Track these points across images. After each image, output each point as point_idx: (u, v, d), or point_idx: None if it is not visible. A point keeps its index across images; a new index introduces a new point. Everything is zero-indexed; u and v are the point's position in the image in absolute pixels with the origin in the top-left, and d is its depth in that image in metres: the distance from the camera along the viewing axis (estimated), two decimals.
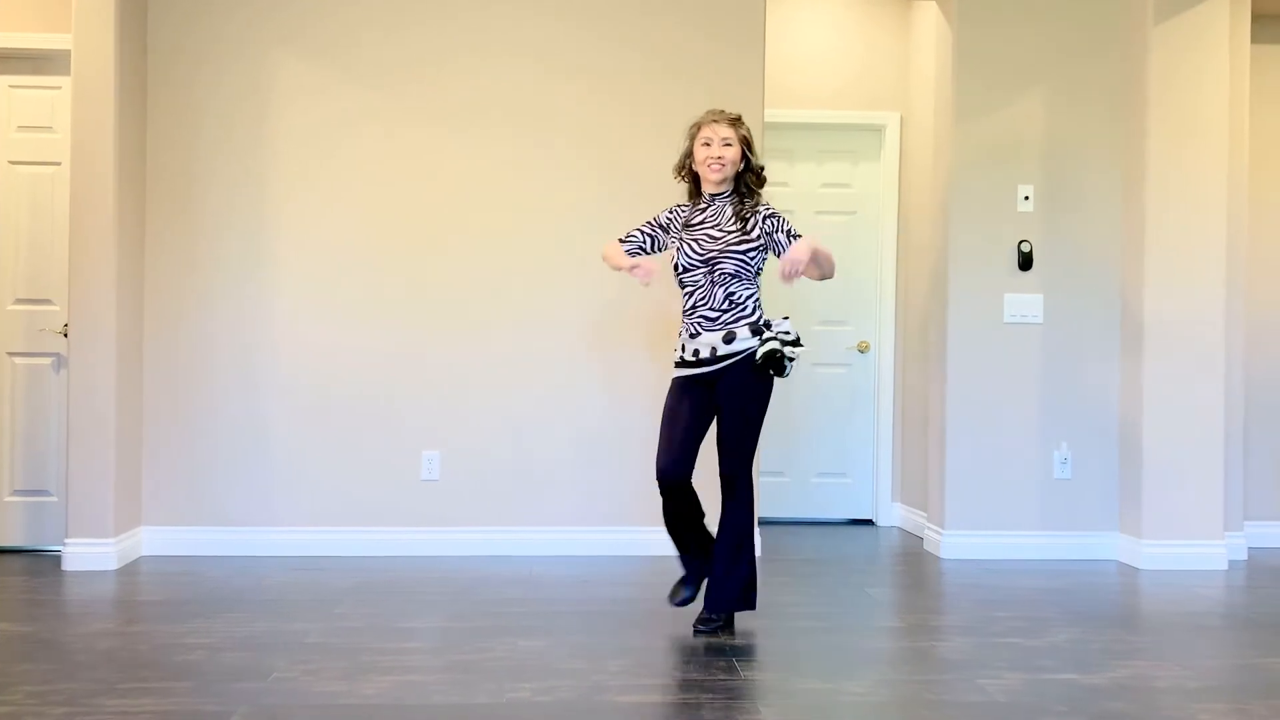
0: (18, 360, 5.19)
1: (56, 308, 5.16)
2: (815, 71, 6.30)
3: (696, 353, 3.86)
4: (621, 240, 4.04)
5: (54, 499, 5.18)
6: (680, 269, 3.88)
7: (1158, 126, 5.18)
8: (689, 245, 3.87)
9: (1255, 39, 5.58)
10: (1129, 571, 5.11)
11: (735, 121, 3.89)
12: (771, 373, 3.81)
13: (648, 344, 5.26)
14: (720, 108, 4.04)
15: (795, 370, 6.28)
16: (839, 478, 6.43)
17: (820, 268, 3.87)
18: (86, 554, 4.81)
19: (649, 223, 4.04)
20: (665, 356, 4.65)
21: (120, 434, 4.90)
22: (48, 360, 5.19)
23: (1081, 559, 5.30)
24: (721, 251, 3.82)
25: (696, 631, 3.84)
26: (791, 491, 6.37)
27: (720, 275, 3.82)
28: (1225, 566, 5.17)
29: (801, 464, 6.39)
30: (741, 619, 4.00)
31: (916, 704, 3.19)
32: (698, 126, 3.92)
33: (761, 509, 5.64)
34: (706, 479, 3.98)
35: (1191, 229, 5.18)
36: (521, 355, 5.29)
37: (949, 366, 5.36)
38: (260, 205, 5.22)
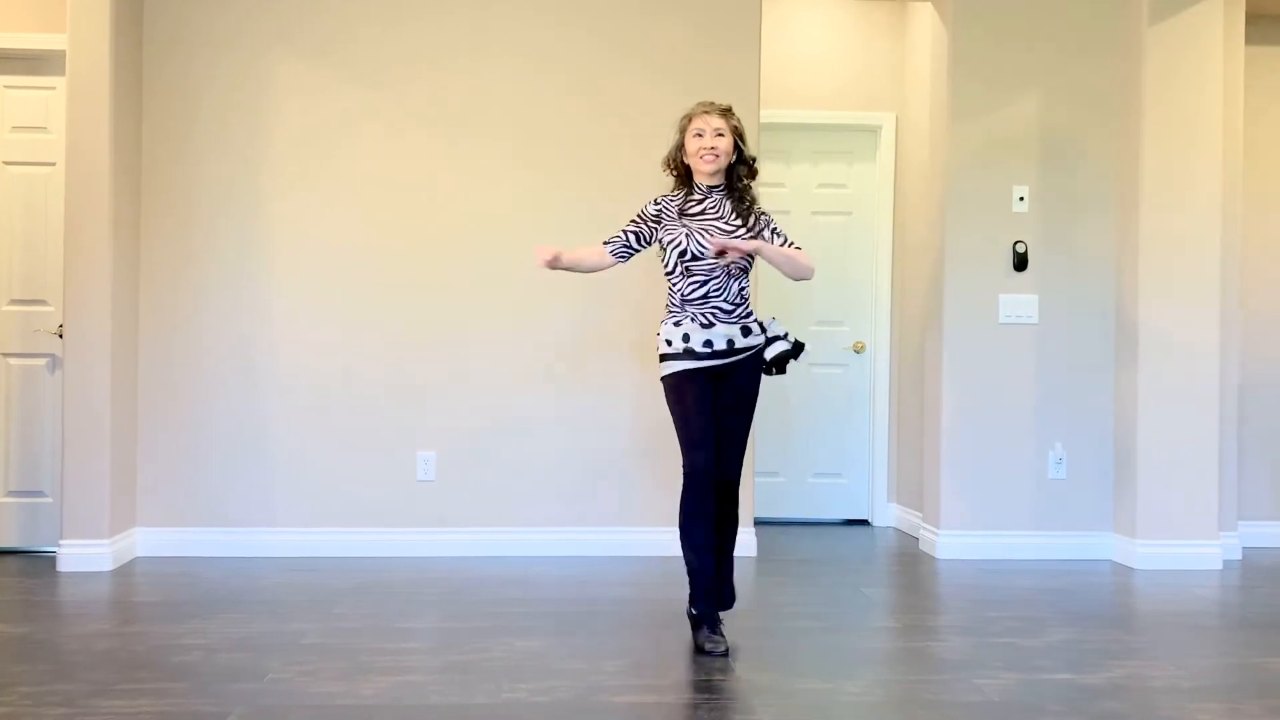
0: (12, 361, 5.18)
1: (51, 308, 5.15)
2: (811, 72, 6.31)
3: (709, 343, 3.76)
4: (605, 242, 3.92)
5: (49, 500, 5.17)
6: (690, 256, 3.76)
7: (1153, 127, 5.19)
8: (698, 235, 3.78)
9: (1250, 40, 5.59)
10: (1124, 571, 5.12)
11: (726, 112, 3.88)
12: (774, 372, 3.83)
13: (645, 344, 5.26)
14: (711, 99, 4.04)
15: (792, 370, 6.33)
16: (835, 478, 6.43)
17: (790, 270, 3.87)
18: (81, 555, 4.80)
19: (634, 220, 3.91)
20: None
21: (115, 434, 4.90)
22: (42, 361, 5.18)
23: (1077, 559, 5.31)
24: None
25: (705, 653, 3.64)
26: (787, 492, 6.38)
27: (735, 268, 3.83)
28: (1220, 566, 5.18)
29: (797, 464, 6.39)
30: (737, 618, 4.00)
31: (913, 704, 3.20)
32: (688, 118, 3.87)
33: (757, 509, 5.65)
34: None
35: (1186, 229, 5.19)
36: (519, 355, 5.29)
37: (944, 367, 5.37)
38: (256, 205, 5.22)
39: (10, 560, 5.04)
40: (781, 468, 6.36)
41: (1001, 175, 5.37)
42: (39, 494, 5.19)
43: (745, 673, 3.46)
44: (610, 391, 5.29)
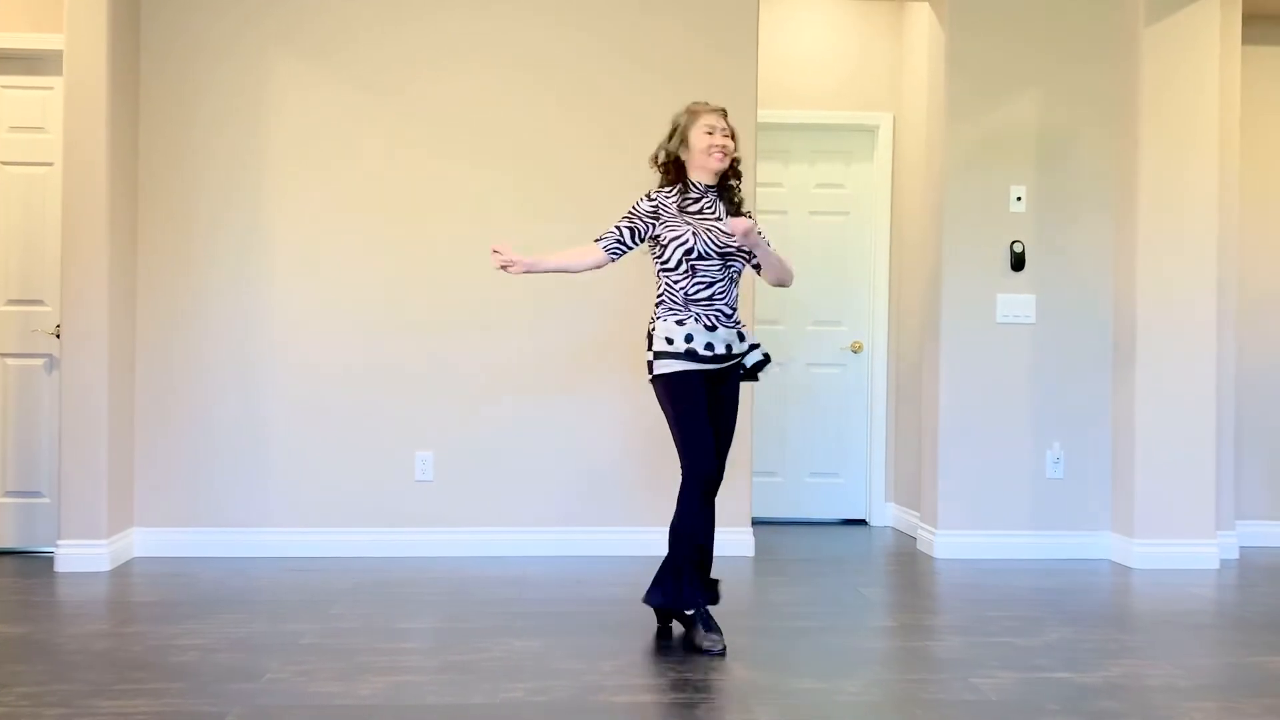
0: (10, 361, 5.18)
1: (49, 308, 5.15)
2: (809, 72, 6.31)
3: (711, 346, 3.76)
4: (597, 238, 3.86)
5: (46, 500, 5.16)
6: (697, 255, 3.74)
7: (1150, 126, 5.19)
8: (706, 234, 3.78)
9: (1247, 40, 5.60)
10: (1121, 571, 5.12)
11: (724, 113, 3.91)
12: (752, 379, 3.91)
13: (641, 345, 5.25)
14: (707, 100, 4.05)
15: (791, 370, 6.36)
16: (832, 478, 6.43)
17: (777, 273, 3.92)
18: (79, 555, 4.80)
19: (628, 216, 3.85)
20: None
21: (113, 435, 4.90)
22: (40, 361, 5.18)
23: (1074, 558, 5.32)
24: (735, 250, 3.83)
25: (704, 652, 3.64)
26: (785, 492, 6.38)
27: (735, 272, 3.85)
28: (1217, 565, 5.19)
29: (795, 464, 6.40)
30: (734, 618, 4.01)
31: (911, 703, 3.20)
32: (694, 114, 3.86)
33: (755, 509, 5.65)
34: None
35: (1184, 228, 5.20)
36: (516, 355, 5.29)
37: (942, 367, 5.38)
38: (254, 205, 5.21)
39: (8, 560, 5.03)
40: (779, 467, 6.36)
41: (999, 175, 5.37)
42: (36, 494, 5.19)
43: (743, 672, 3.47)
44: (608, 392, 5.29)
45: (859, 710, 3.16)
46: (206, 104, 5.20)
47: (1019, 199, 5.37)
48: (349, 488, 5.23)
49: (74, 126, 4.79)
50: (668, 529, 3.83)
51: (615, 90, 5.31)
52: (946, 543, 5.35)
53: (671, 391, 3.76)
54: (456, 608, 4.25)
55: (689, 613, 3.75)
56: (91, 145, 4.80)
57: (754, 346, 3.90)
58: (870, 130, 6.38)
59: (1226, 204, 5.39)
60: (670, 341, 3.76)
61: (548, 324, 5.30)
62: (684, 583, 3.74)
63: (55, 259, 5.06)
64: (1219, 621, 4.24)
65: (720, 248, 3.78)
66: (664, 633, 3.89)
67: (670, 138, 3.89)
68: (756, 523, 5.61)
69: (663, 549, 4.05)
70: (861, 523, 6.42)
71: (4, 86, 5.16)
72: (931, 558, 5.37)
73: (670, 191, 3.87)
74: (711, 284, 3.79)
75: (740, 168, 3.97)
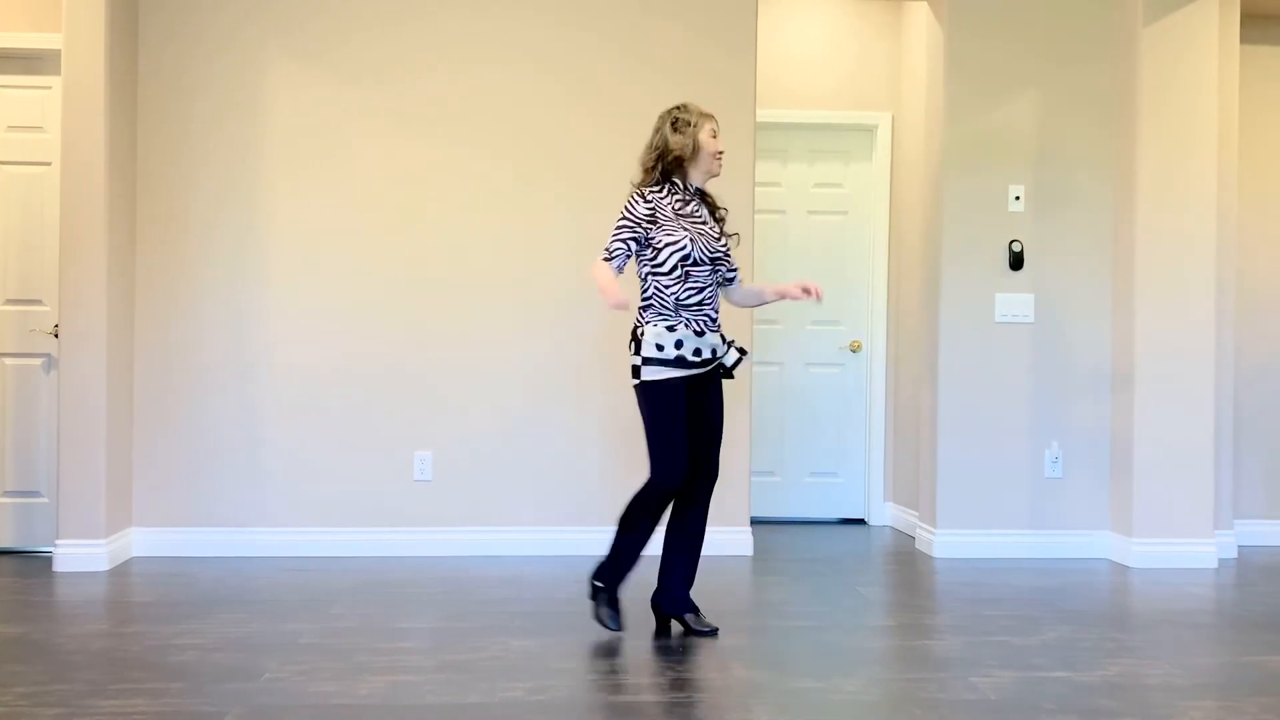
0: (8, 361, 5.18)
1: (47, 308, 5.15)
2: (808, 71, 6.31)
3: (698, 351, 3.78)
4: (607, 257, 3.74)
5: (45, 500, 5.16)
6: (691, 260, 3.74)
7: (1148, 126, 5.20)
8: (700, 239, 3.79)
9: (1245, 40, 5.60)
10: (1120, 570, 5.13)
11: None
12: (729, 377, 3.95)
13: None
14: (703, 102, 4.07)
15: (790, 370, 6.36)
16: (831, 477, 6.44)
17: (756, 303, 4.19)
18: (77, 555, 4.80)
19: (625, 223, 3.76)
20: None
21: (111, 434, 4.89)
22: (38, 361, 5.18)
23: (1072, 557, 5.32)
24: (724, 255, 3.87)
25: (695, 633, 3.83)
26: (784, 491, 6.38)
27: (721, 277, 3.89)
28: (1215, 565, 5.19)
29: (794, 464, 6.40)
30: (733, 617, 4.01)
31: (909, 702, 3.20)
32: (700, 116, 3.84)
33: (754, 509, 5.65)
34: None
35: (1182, 228, 5.20)
36: (516, 355, 5.29)
37: (940, 366, 5.38)
38: (252, 203, 5.21)
39: (6, 560, 5.03)
40: (778, 467, 6.36)
41: (997, 174, 5.38)
42: (35, 494, 5.19)
43: (741, 671, 3.47)
44: (606, 392, 5.29)
45: (857, 709, 3.17)
46: (204, 102, 5.19)
47: (1018, 198, 5.37)
48: (348, 487, 5.23)
49: (72, 126, 4.79)
50: (664, 528, 3.88)
51: (615, 90, 5.31)
52: (945, 542, 5.35)
53: (655, 399, 3.74)
54: (455, 607, 4.25)
55: (597, 583, 3.86)
56: (90, 145, 4.79)
57: (730, 344, 3.92)
58: (869, 130, 6.38)
59: (1225, 203, 5.39)
60: (660, 348, 3.74)
61: (547, 324, 5.30)
62: (608, 555, 3.86)
63: (54, 259, 5.06)
64: (1217, 620, 4.25)
65: (710, 253, 3.80)
66: (662, 632, 3.89)
67: (668, 136, 3.82)
68: (755, 522, 5.61)
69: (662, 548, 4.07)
70: (860, 522, 6.42)
71: (2, 86, 5.15)
72: (930, 557, 5.37)
73: (661, 191, 3.83)
74: (702, 289, 3.81)
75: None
